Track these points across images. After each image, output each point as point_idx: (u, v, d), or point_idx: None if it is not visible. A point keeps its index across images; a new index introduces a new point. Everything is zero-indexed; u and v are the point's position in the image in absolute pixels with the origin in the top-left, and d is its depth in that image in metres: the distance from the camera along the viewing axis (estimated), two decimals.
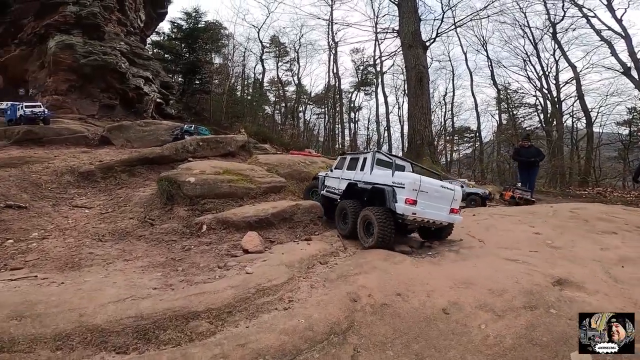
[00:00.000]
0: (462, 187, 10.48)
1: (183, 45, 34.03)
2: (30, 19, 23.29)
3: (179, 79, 35.46)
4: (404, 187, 5.29)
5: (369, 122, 46.36)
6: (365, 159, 6.59)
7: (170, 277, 4.20)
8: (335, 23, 37.78)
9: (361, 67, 43.97)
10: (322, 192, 7.59)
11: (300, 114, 45.72)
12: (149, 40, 34.98)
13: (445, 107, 39.25)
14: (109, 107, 25.11)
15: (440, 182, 5.89)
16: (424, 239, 6.45)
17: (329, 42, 40.64)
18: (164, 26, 35.90)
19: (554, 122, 28.52)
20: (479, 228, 7.32)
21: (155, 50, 35.17)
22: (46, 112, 17.65)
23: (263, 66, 42.55)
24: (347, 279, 4.20)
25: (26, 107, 17.31)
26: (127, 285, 3.86)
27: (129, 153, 14.32)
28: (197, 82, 34.66)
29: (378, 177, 5.97)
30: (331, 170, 7.58)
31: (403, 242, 6.28)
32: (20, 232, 5.97)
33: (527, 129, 31.54)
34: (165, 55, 34.90)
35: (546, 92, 29.95)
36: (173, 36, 34.89)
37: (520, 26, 30.34)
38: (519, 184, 11.36)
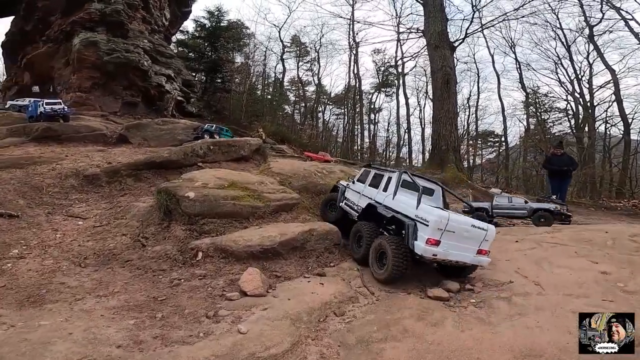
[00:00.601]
0: (525, 202, 9.36)
1: (206, 43, 33.86)
2: (57, 16, 23.50)
3: (202, 77, 35.37)
4: (427, 225, 4.66)
5: (389, 124, 44.80)
6: (389, 178, 5.91)
7: (143, 328, 3.32)
8: (357, 22, 36.75)
9: (382, 68, 42.66)
10: (340, 203, 6.92)
11: (320, 114, 44.93)
12: (174, 39, 35.09)
13: (469, 110, 37.49)
14: (131, 104, 25.07)
15: (472, 220, 5.24)
16: (441, 273, 5.59)
17: (349, 42, 39.56)
18: (189, 25, 35.97)
19: (586, 128, 27.04)
20: (528, 262, 6.08)
21: (179, 49, 35.20)
22: (66, 110, 17.57)
23: (284, 66, 42.06)
24: (370, 348, 3.18)
25: (46, 104, 17.28)
26: (84, 339, 3.02)
27: (143, 153, 13.83)
28: (219, 80, 34.43)
29: (401, 205, 5.31)
30: (353, 182, 6.90)
31: (438, 282, 5.19)
32: (0, 247, 5.31)
33: (556, 134, 30.20)
34: (189, 54, 34.86)
35: (578, 96, 28.42)
36: (197, 35, 34.80)
37: (552, 28, 28.84)
38: (554, 197, 10.22)
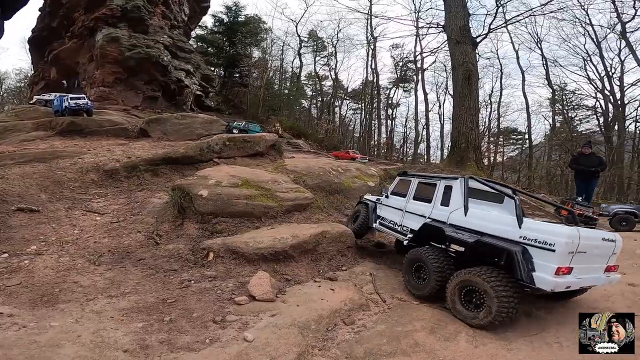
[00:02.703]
0: None
1: (224, 38, 34.09)
2: (81, 12, 24.08)
3: (220, 72, 35.69)
4: (554, 250, 3.38)
5: (406, 120, 44.21)
6: (448, 187, 4.67)
7: (151, 331, 3.31)
8: (375, 17, 36.06)
9: (400, 63, 42.15)
10: (374, 224, 5.94)
11: (337, 109, 44.71)
12: (193, 34, 35.48)
13: (491, 107, 36.60)
14: (152, 98, 25.55)
15: (601, 232, 4.08)
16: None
17: (367, 37, 39.09)
18: (207, 20, 36.32)
19: (615, 127, 26.46)
20: None
21: (198, 44, 35.60)
22: (89, 104, 18.05)
23: (300, 60, 42.04)
24: None
25: (71, 99, 17.80)
26: (92, 343, 3.03)
27: (162, 147, 14.05)
28: (237, 75, 34.68)
29: (484, 223, 4.02)
30: (386, 196, 5.87)
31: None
32: (20, 243, 5.47)
33: (583, 132, 29.37)
34: (208, 49, 35.21)
35: (608, 94, 27.57)
36: (215, 30, 35.07)
37: (582, 24, 28.14)
38: (579, 199, 9.79)
